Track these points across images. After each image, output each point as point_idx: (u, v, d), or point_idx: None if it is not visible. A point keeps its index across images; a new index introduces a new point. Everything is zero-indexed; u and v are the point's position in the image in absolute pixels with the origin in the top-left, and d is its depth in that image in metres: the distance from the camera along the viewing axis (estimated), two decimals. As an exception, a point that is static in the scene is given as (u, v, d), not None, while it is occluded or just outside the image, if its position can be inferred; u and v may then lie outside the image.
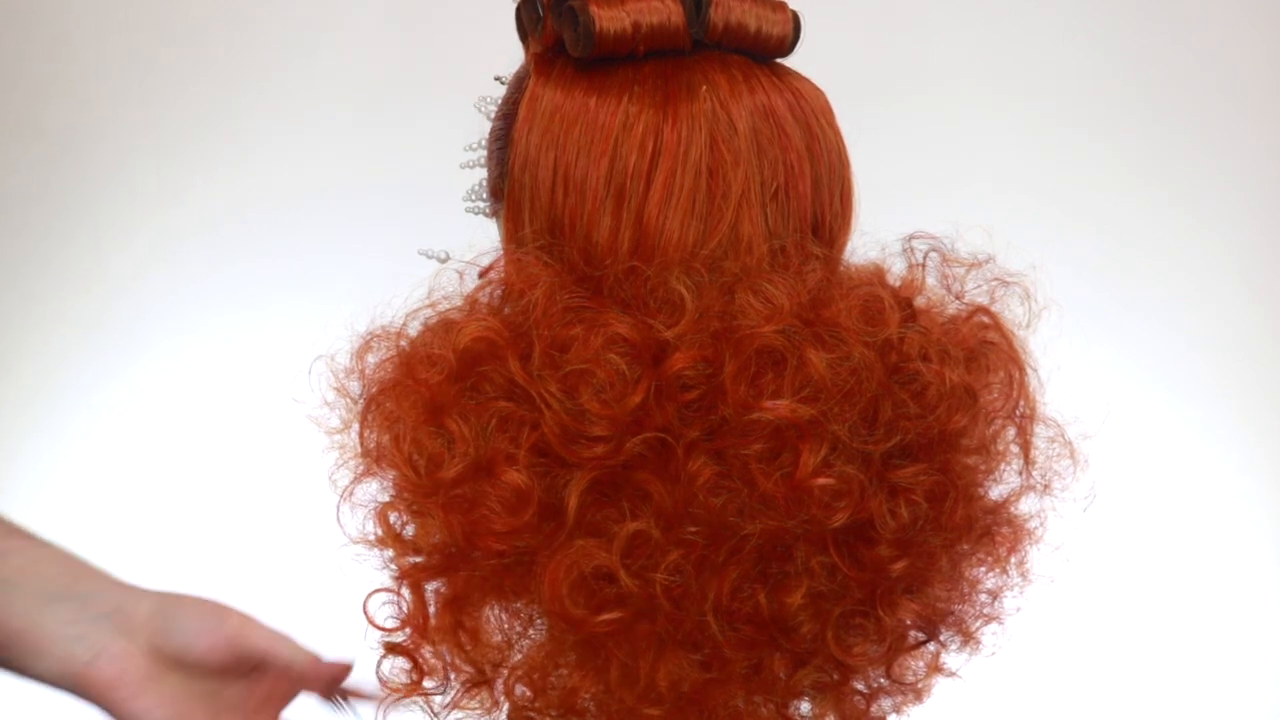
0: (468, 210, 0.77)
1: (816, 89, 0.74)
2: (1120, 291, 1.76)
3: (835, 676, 0.68)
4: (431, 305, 0.69)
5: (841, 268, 0.72)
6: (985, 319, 0.72)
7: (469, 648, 0.66)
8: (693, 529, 0.63)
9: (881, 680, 0.70)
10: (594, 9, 0.68)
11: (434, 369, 0.65)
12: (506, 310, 0.67)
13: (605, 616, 0.63)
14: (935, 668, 0.72)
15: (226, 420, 1.77)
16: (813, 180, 0.70)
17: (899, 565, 0.65)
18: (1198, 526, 1.80)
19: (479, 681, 0.67)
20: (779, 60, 0.74)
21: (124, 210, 1.74)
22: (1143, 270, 1.77)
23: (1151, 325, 1.77)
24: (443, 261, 0.72)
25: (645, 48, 0.69)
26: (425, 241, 0.75)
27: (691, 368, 0.63)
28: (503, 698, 0.67)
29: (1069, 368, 0.75)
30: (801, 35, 0.74)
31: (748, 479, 0.63)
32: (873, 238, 0.74)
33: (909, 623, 0.68)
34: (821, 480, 0.63)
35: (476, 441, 0.63)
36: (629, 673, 0.65)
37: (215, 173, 1.72)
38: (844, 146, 0.74)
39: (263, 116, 1.72)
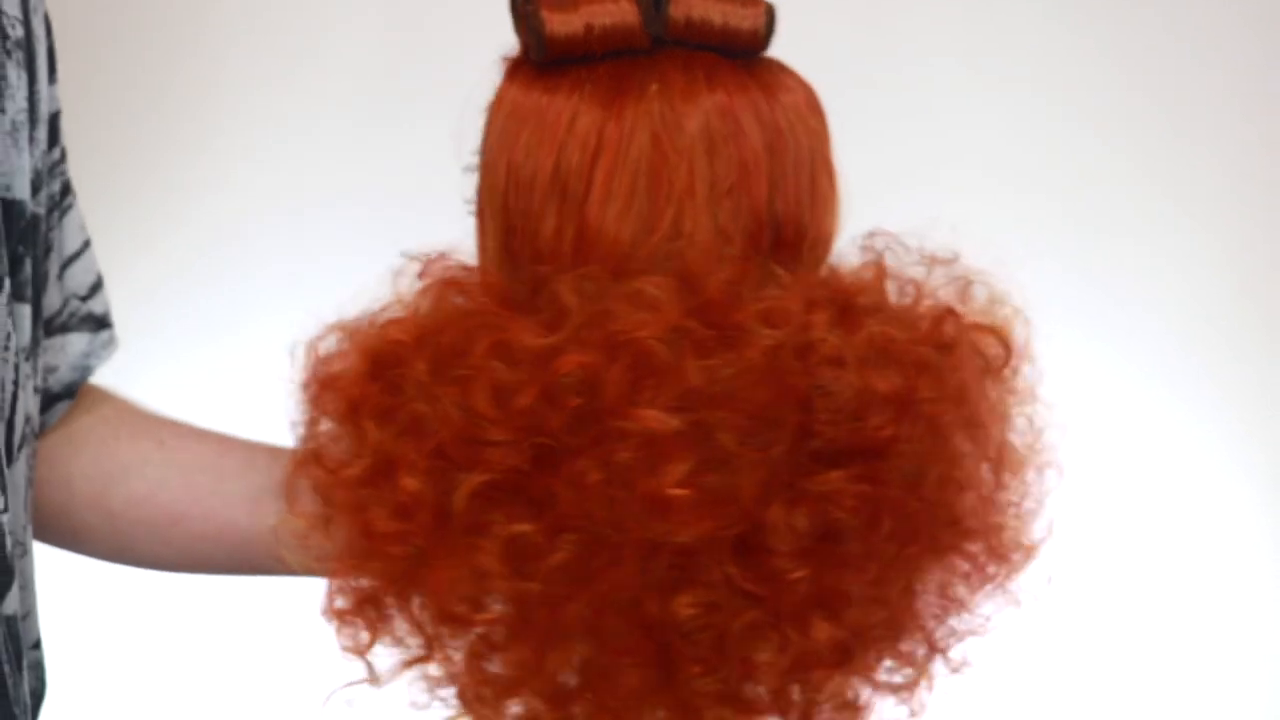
0: (470, 213, 0.79)
1: (800, 83, 0.72)
2: (1108, 286, 1.64)
3: (757, 688, 0.66)
4: (399, 302, 0.72)
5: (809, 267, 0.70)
6: (951, 318, 0.68)
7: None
8: (571, 536, 0.63)
9: (799, 697, 0.67)
10: (545, 13, 0.69)
11: (348, 368, 0.68)
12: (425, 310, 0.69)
13: (484, 616, 0.65)
14: (887, 687, 0.69)
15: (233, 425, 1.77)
16: (770, 178, 0.68)
17: (797, 574, 0.62)
18: (1194, 528, 1.70)
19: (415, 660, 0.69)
20: (764, 54, 0.72)
21: (125, 226, 1.75)
22: (1131, 265, 1.65)
23: (1141, 323, 1.66)
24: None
25: (601, 49, 0.69)
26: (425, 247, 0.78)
27: (573, 374, 0.63)
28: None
29: (1053, 366, 0.71)
30: (776, 28, 0.72)
31: (627, 487, 0.62)
32: (849, 231, 0.72)
33: (825, 641, 0.65)
34: (676, 491, 0.61)
35: (386, 442, 0.65)
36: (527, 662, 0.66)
37: (214, 183, 1.72)
38: (824, 143, 0.71)
39: (264, 124, 1.69)
